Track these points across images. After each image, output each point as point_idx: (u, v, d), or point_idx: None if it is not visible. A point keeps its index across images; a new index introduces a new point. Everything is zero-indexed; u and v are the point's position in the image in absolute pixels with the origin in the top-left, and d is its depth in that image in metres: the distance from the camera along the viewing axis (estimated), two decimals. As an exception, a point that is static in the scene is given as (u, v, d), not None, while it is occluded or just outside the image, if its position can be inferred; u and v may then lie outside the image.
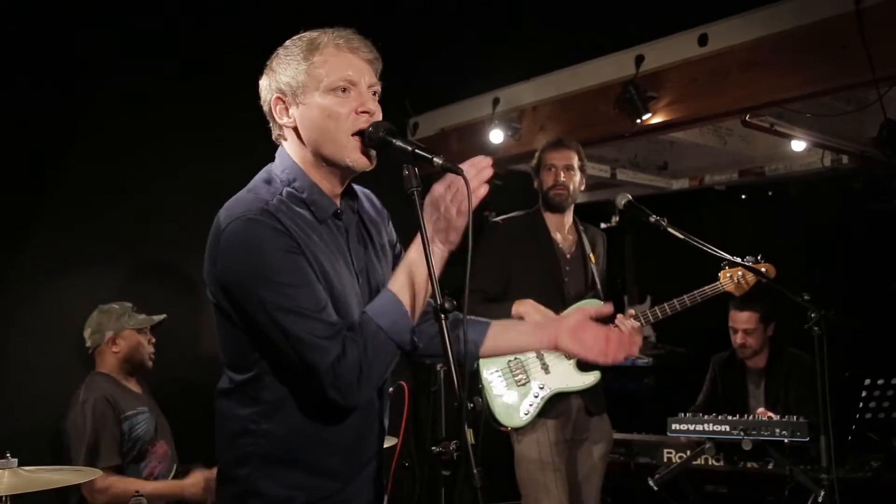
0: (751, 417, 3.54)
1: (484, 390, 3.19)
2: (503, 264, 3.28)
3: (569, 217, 3.38)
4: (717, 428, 3.49)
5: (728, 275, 3.23)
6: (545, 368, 3.23)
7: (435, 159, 1.58)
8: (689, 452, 3.59)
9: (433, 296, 1.55)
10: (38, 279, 3.45)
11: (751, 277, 3.21)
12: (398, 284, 1.62)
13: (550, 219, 3.35)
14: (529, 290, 3.14)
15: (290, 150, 1.71)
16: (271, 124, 1.73)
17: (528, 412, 3.17)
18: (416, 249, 1.63)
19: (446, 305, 1.53)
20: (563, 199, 3.31)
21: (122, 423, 3.06)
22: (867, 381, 3.37)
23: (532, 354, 3.23)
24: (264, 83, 1.71)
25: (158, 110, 3.74)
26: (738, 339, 4.04)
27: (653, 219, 3.14)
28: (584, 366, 3.20)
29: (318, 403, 1.59)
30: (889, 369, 3.43)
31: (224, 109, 3.60)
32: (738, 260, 3.17)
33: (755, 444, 3.39)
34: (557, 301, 3.19)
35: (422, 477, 1.85)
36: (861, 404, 3.36)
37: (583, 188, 3.39)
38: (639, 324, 3.19)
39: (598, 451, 3.30)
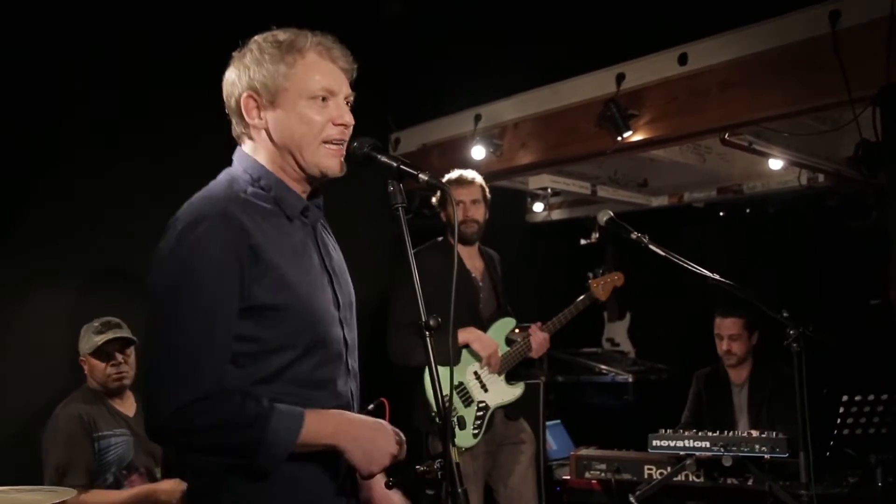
0: (731, 433, 3.55)
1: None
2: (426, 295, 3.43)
3: (475, 245, 3.63)
4: (698, 444, 3.50)
5: (596, 284, 3.69)
6: (483, 387, 3.47)
7: (420, 175, 1.59)
8: (669, 469, 3.59)
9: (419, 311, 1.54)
10: (13, 295, 3.39)
11: (608, 285, 3.70)
12: (317, 417, 1.54)
13: (461, 249, 3.56)
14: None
15: (252, 150, 1.67)
16: (234, 121, 1.68)
17: (478, 432, 3.40)
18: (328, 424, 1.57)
19: (431, 322, 1.55)
20: (474, 231, 3.56)
21: (94, 442, 2.99)
22: (845, 398, 3.39)
23: (471, 376, 3.47)
24: (232, 77, 1.66)
25: (141, 126, 3.70)
26: (723, 346, 4.05)
27: (634, 235, 3.15)
28: (511, 378, 3.54)
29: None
30: (866, 386, 3.46)
31: (206, 124, 3.57)
32: (713, 275, 3.19)
33: (735, 460, 3.40)
34: (476, 324, 3.48)
35: (404, 495, 1.84)
36: (839, 420, 3.38)
37: (486, 217, 3.62)
38: (547, 334, 3.56)
39: (527, 451, 3.56)
